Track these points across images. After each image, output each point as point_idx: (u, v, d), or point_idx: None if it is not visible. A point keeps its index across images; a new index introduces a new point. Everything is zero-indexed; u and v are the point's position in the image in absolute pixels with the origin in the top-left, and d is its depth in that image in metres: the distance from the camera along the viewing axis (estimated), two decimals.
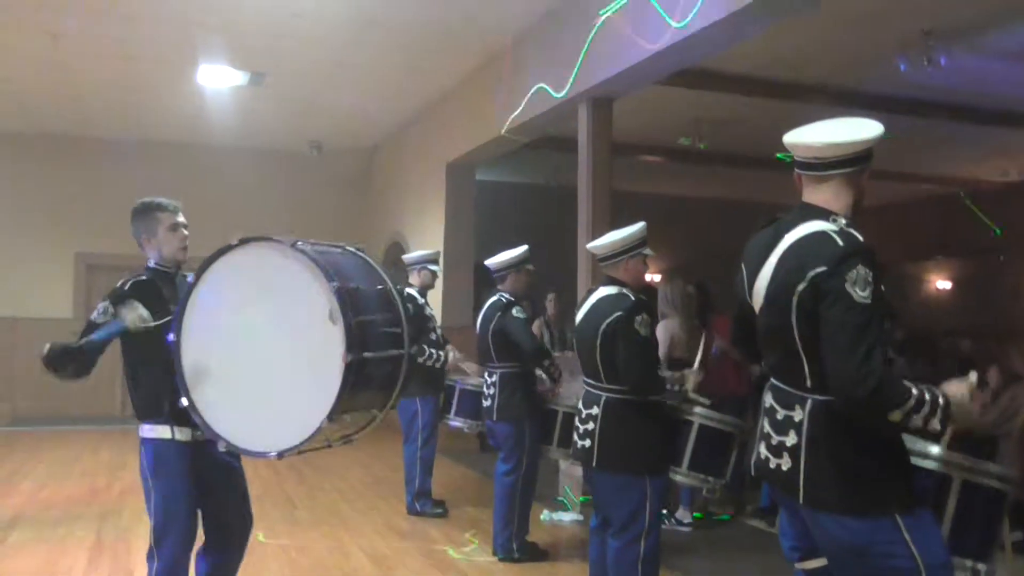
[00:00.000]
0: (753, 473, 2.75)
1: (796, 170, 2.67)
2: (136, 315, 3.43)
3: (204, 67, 9.23)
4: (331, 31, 8.11)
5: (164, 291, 3.59)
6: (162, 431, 3.55)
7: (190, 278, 3.37)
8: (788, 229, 2.57)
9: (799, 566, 2.76)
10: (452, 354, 6.65)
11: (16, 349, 11.77)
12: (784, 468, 2.54)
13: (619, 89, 6.90)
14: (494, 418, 5.62)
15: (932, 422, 2.37)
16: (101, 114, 11.43)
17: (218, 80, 9.66)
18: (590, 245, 4.27)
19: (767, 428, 2.63)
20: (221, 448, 3.31)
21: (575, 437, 4.12)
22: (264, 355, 3.24)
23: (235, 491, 3.78)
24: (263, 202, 12.45)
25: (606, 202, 7.01)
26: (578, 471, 6.71)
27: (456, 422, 6.56)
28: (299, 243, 3.16)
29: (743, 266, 2.74)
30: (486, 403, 5.70)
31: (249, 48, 8.64)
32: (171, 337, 3.33)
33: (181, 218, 3.74)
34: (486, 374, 5.78)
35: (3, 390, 11.88)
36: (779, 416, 2.58)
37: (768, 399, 2.66)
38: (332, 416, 3.02)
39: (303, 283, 3.11)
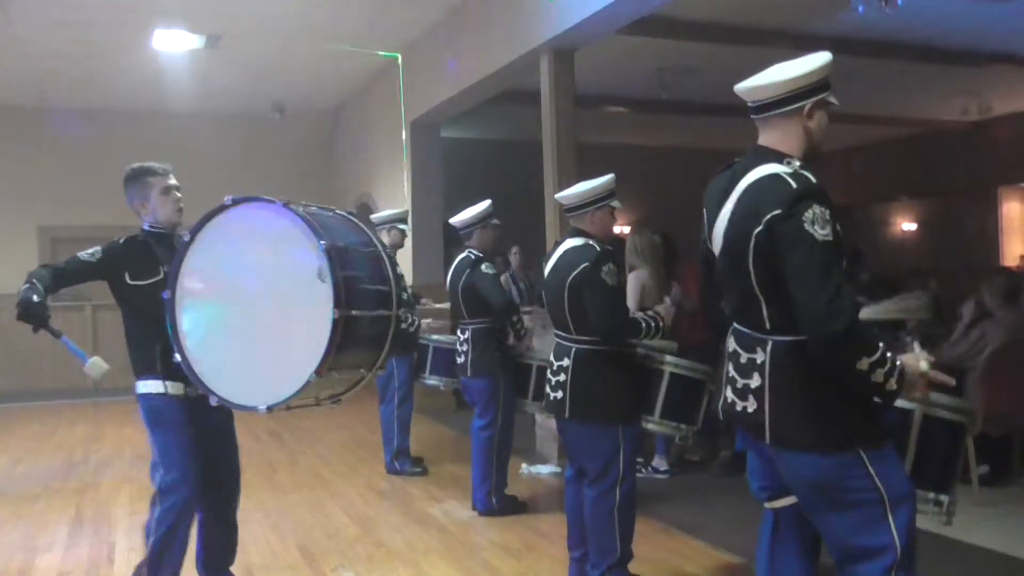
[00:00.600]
0: (721, 417, 2.79)
1: (751, 116, 2.67)
2: (99, 371, 3.63)
3: (159, 32, 9.08)
4: None
5: (157, 251, 3.72)
6: (155, 386, 3.70)
7: (185, 237, 3.48)
8: (744, 173, 2.58)
9: (768, 505, 2.81)
10: (424, 322, 6.64)
11: None
12: (750, 410, 2.58)
13: (580, 39, 6.86)
14: (468, 374, 5.66)
15: (890, 382, 2.39)
16: (57, 85, 11.27)
17: (174, 44, 9.51)
18: (558, 196, 4.28)
19: (732, 372, 2.67)
20: (213, 403, 3.40)
21: (547, 389, 4.15)
22: (255, 312, 3.34)
23: (226, 453, 3.95)
24: (227, 167, 12.31)
25: (571, 155, 7.02)
26: (553, 423, 6.78)
27: (431, 380, 6.59)
28: (291, 203, 3.22)
29: (704, 211, 2.75)
30: (460, 360, 5.73)
31: (204, 10, 8.50)
32: (166, 294, 3.45)
33: (172, 180, 3.83)
34: (458, 331, 5.79)
35: None
36: (742, 360, 2.61)
37: (731, 343, 2.69)
38: (319, 371, 3.08)
39: (293, 241, 3.17)
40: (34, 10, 8.35)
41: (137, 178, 3.82)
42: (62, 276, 3.65)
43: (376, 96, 11.46)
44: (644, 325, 4.01)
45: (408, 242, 7.29)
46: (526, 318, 6.25)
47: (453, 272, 5.79)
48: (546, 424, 6.99)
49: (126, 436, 8.65)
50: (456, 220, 5.76)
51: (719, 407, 2.78)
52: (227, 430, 3.96)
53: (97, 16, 8.61)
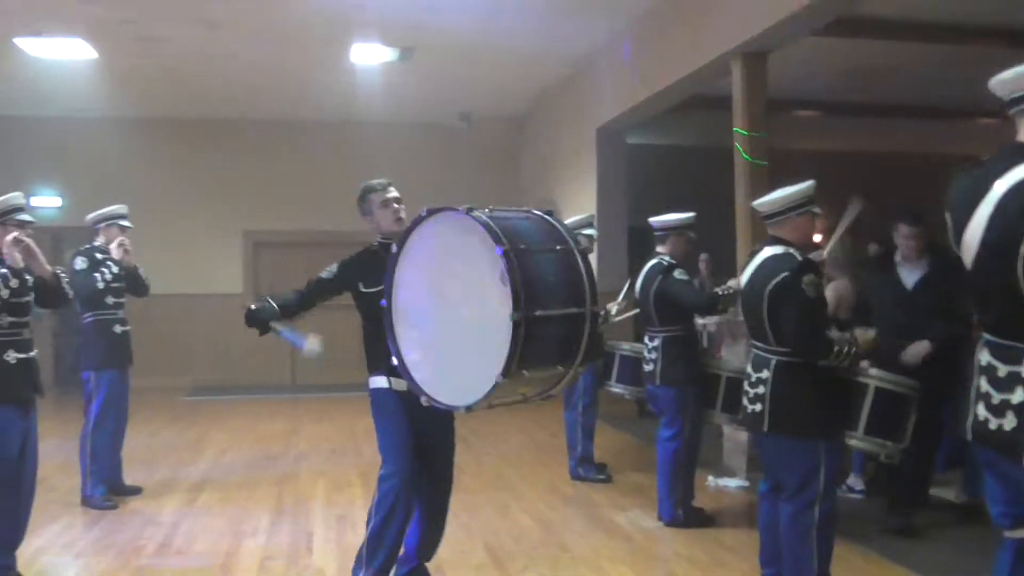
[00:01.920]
0: (969, 436, 2.60)
1: (1006, 111, 2.48)
2: (313, 348, 4.16)
3: (356, 46, 9.47)
4: (475, 1, 8.15)
5: (385, 260, 3.88)
6: (381, 381, 4.03)
7: (394, 248, 3.68)
8: (999, 173, 2.39)
9: (1009, 534, 2.62)
10: (611, 307, 6.60)
11: (194, 324, 12.53)
12: (1007, 428, 2.41)
13: (774, 42, 6.67)
14: (656, 383, 5.60)
15: None
16: (259, 97, 11.93)
17: (369, 57, 9.89)
18: (756, 203, 4.17)
19: (986, 387, 2.49)
20: (423, 402, 3.53)
21: (744, 402, 4.05)
22: (452, 316, 3.48)
23: (444, 451, 4.23)
24: (416, 175, 12.59)
25: (763, 160, 6.82)
26: (743, 436, 6.63)
27: (617, 388, 6.58)
28: (474, 210, 3.31)
29: (948, 216, 2.59)
30: (648, 368, 5.68)
31: (398, 24, 8.79)
32: (384, 302, 3.67)
33: (392, 193, 4.15)
34: (647, 338, 5.75)
35: (183, 362, 12.66)
36: (1000, 373, 2.44)
37: (985, 356, 2.52)
38: (506, 372, 3.12)
39: (478, 247, 3.24)
40: (241, 27, 8.88)
41: (363, 196, 4.17)
42: (307, 298, 4.13)
43: (561, 103, 11.54)
44: (836, 349, 3.85)
45: (595, 248, 7.27)
46: (710, 322, 6.14)
47: (643, 279, 5.74)
48: (734, 436, 6.83)
49: (322, 432, 9.08)
50: (656, 220, 5.72)
51: (968, 426, 2.61)
52: (446, 429, 4.20)
53: (300, 33, 9.06)
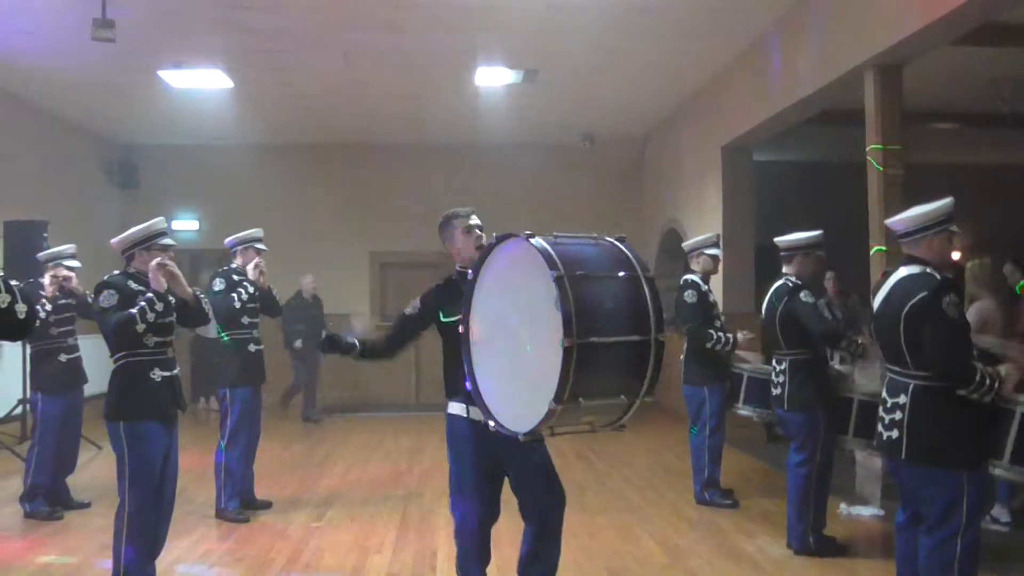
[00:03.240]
0: None
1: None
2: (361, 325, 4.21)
3: (481, 69, 9.60)
4: (600, 22, 8.15)
5: (463, 290, 3.89)
6: (458, 408, 3.97)
7: (470, 275, 3.70)
8: None
9: None
10: (740, 336, 6.49)
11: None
12: None
13: (910, 53, 6.43)
14: (785, 407, 5.43)
15: None
16: (387, 122, 12.24)
17: (493, 80, 10.01)
18: (890, 221, 4.01)
19: None
20: (491, 427, 3.53)
21: (880, 428, 3.88)
22: (516, 342, 3.47)
23: (530, 469, 3.98)
24: (538, 197, 12.79)
25: (898, 176, 6.58)
26: (877, 463, 6.37)
27: (744, 410, 6.42)
28: (535, 236, 3.31)
29: None
30: (775, 391, 5.52)
31: (523, 47, 8.89)
32: (461, 329, 3.68)
33: (474, 220, 4.12)
34: (774, 361, 5.59)
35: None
36: None
37: None
38: (559, 399, 3.08)
39: (536, 273, 3.23)
40: (372, 55, 9.12)
41: (446, 222, 4.16)
42: (396, 337, 4.21)
43: (685, 123, 11.43)
44: (979, 378, 3.63)
45: (719, 268, 7.13)
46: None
47: (769, 300, 5.59)
48: (867, 463, 6.57)
49: (445, 450, 9.13)
50: (781, 240, 5.58)
51: None
52: (527, 455, 3.96)
53: (427, 59, 9.26)
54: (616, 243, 3.49)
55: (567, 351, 3.05)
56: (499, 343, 3.55)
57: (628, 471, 7.99)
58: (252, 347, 6.48)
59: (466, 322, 3.66)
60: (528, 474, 3.99)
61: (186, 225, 13.14)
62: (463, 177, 12.69)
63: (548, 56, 9.17)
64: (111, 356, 4.51)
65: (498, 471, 3.97)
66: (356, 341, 4.14)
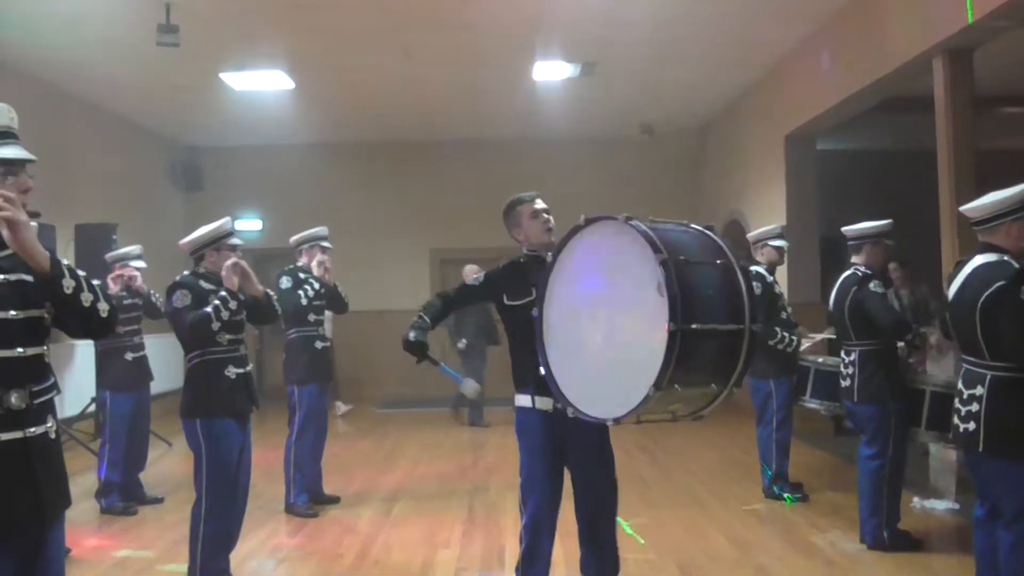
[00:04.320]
0: None
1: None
2: (473, 391, 4.80)
3: (539, 64, 9.58)
4: (659, 12, 8.08)
5: (531, 273, 3.89)
6: (525, 400, 3.90)
7: (549, 257, 3.66)
8: None
9: None
10: (805, 343, 6.41)
11: (384, 339, 12.89)
12: None
13: (982, 36, 6.26)
14: (854, 399, 5.34)
15: None
16: (446, 119, 12.29)
17: (551, 74, 9.98)
18: (965, 208, 3.91)
19: None
20: (569, 414, 3.50)
21: (955, 420, 3.79)
22: (605, 326, 3.42)
23: (597, 471, 3.94)
24: (597, 189, 12.70)
25: (969, 163, 6.43)
26: (951, 455, 6.24)
27: (812, 403, 6.32)
28: (633, 219, 3.26)
29: None
30: (844, 383, 5.42)
31: (581, 40, 8.85)
32: (535, 313, 3.65)
33: (540, 204, 4.05)
34: (843, 352, 5.50)
35: (374, 376, 13.12)
36: None
37: None
38: (659, 385, 3.05)
39: (635, 256, 3.19)
40: (431, 52, 9.16)
41: (510, 209, 4.09)
42: (452, 302, 4.08)
43: (746, 112, 11.28)
44: None
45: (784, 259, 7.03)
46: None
47: (837, 290, 5.50)
48: (941, 455, 6.43)
49: (509, 444, 9.09)
50: (849, 230, 5.49)
51: None
52: (595, 447, 3.93)
53: (485, 54, 9.27)
54: (706, 231, 3.46)
55: (672, 336, 3.02)
56: (581, 327, 3.51)
57: (693, 465, 7.93)
58: (318, 344, 6.56)
59: (540, 305, 3.63)
60: (593, 467, 3.94)
61: (249, 225, 13.33)
62: (521, 172, 12.64)
63: (606, 48, 9.12)
64: (186, 355, 4.60)
65: (562, 463, 3.93)
66: (430, 322, 4.01)
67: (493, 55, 9.32)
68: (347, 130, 12.86)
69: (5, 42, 8.30)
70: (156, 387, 7.13)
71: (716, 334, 3.20)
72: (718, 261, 3.31)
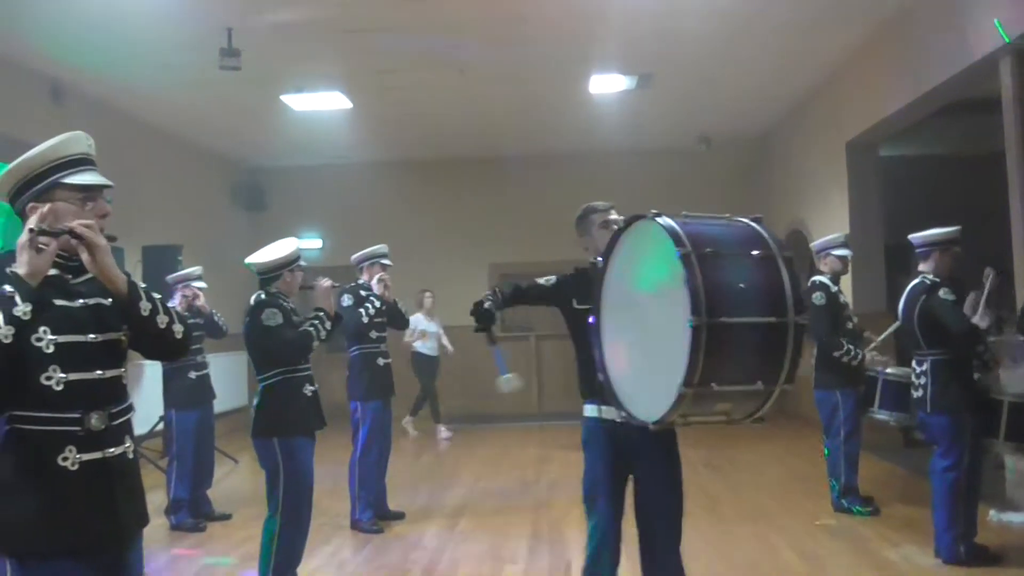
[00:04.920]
0: None
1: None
2: (509, 386, 5.04)
3: (595, 77, 9.58)
4: (715, 22, 8.02)
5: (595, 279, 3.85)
6: (591, 410, 3.85)
7: (599, 262, 3.63)
8: None
9: None
10: (872, 355, 6.29)
11: (445, 354, 13.01)
12: None
13: None
14: (928, 410, 5.21)
15: None
16: (501, 134, 12.34)
17: (607, 87, 9.97)
18: None
19: None
20: (619, 418, 3.48)
21: None
22: (645, 326, 3.37)
23: (661, 475, 3.82)
24: (655, 202, 12.40)
25: None
26: None
27: (881, 415, 6.20)
28: (662, 215, 3.21)
29: None
30: (916, 394, 5.31)
31: (638, 52, 8.82)
32: (592, 319, 3.61)
33: (613, 215, 3.99)
34: (914, 362, 5.38)
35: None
36: None
37: None
38: (688, 382, 2.96)
39: (662, 252, 3.13)
40: (487, 69, 9.21)
41: (582, 216, 4.05)
42: (522, 293, 4.09)
43: (806, 120, 11.14)
44: None
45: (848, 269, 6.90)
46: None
47: (906, 299, 5.39)
48: (1018, 467, 6.25)
49: (572, 459, 9.05)
50: (916, 237, 5.38)
51: None
52: (664, 458, 3.84)
53: (541, 69, 9.28)
54: (751, 223, 3.35)
55: (695, 331, 2.93)
56: (630, 330, 3.47)
57: (760, 479, 7.82)
58: (380, 361, 6.61)
59: (597, 311, 3.61)
60: (657, 482, 3.84)
61: (309, 244, 13.50)
62: (577, 185, 12.57)
63: (663, 60, 9.08)
64: (261, 373, 4.67)
65: (626, 473, 3.85)
66: (502, 299, 4.06)
67: (549, 70, 9.34)
68: (404, 148, 12.98)
69: (72, 69, 8.53)
70: (217, 405, 7.26)
71: (753, 327, 3.09)
72: (755, 252, 3.19)
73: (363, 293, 6.59)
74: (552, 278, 4.05)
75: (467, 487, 8.04)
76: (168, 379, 6.89)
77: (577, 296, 3.92)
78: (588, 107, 10.76)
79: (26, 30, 7.49)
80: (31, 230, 2.38)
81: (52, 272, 2.52)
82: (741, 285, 3.11)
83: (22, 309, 2.34)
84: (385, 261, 6.76)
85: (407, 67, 9.08)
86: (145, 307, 2.58)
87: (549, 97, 10.44)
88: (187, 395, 6.78)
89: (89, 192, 2.59)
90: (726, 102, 10.98)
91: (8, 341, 2.31)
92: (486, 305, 3.95)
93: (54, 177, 2.55)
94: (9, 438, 2.47)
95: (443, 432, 11.25)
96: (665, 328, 3.18)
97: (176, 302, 6.60)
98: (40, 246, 2.38)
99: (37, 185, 2.55)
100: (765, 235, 3.26)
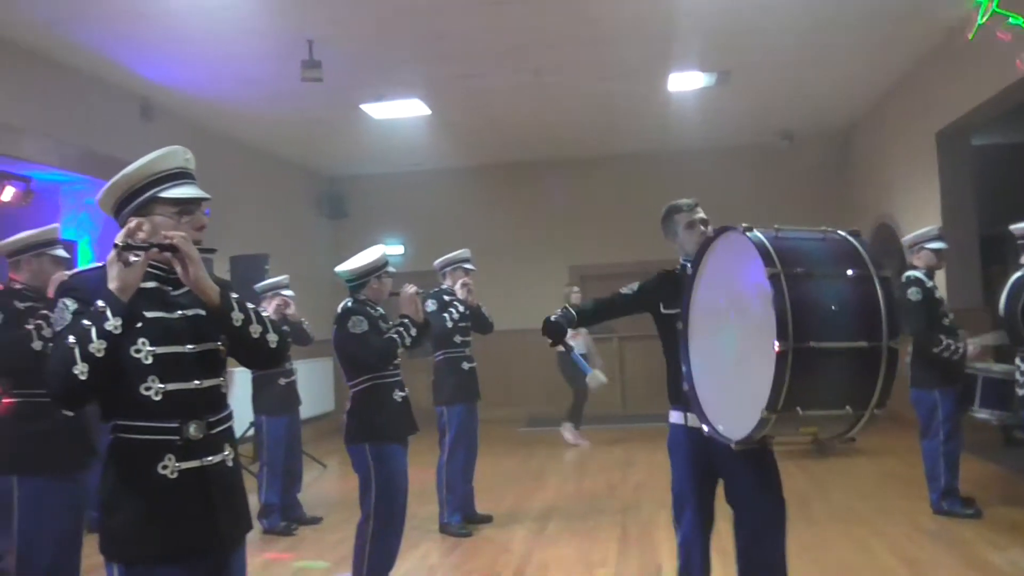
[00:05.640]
0: None
1: None
2: (597, 382, 5.04)
3: (673, 75, 9.47)
4: (799, 17, 7.86)
5: (684, 283, 3.78)
6: (677, 417, 3.82)
7: (689, 269, 3.60)
8: None
9: None
10: (971, 347, 6.07)
11: (527, 357, 12.97)
12: None
13: None
14: None
15: None
16: (579, 135, 12.27)
17: (686, 85, 9.85)
18: None
19: None
20: (705, 432, 3.41)
21: None
22: (732, 342, 3.31)
23: (748, 481, 3.71)
24: (736, 199, 12.36)
25: None
26: None
27: (982, 414, 6.00)
28: (754, 229, 3.12)
29: None
30: (1021, 392, 5.12)
31: (716, 49, 8.69)
32: (679, 325, 3.58)
33: (699, 214, 3.92)
34: (1017, 359, 5.19)
35: (519, 395, 13.19)
36: None
37: None
38: (772, 407, 2.89)
39: (752, 269, 3.05)
40: (564, 70, 9.17)
41: (667, 215, 3.98)
42: (604, 307, 4.10)
43: (892, 111, 10.84)
44: None
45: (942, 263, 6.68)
46: None
47: (1008, 292, 5.21)
48: None
49: (658, 461, 8.93)
50: (1017, 228, 5.19)
51: None
52: (755, 465, 3.70)
53: (618, 69, 9.21)
54: (848, 237, 3.23)
55: (781, 356, 2.85)
56: (717, 342, 3.40)
57: (853, 480, 7.61)
58: (465, 365, 6.64)
59: (685, 318, 3.56)
60: (745, 486, 3.73)
61: (392, 250, 13.59)
62: (657, 185, 12.49)
63: (742, 56, 8.93)
64: (351, 380, 4.75)
65: (713, 479, 3.80)
66: (575, 314, 4.06)
67: (626, 69, 9.26)
68: (482, 152, 13.04)
69: (159, 87, 8.77)
70: (304, 411, 7.39)
71: (843, 352, 2.99)
72: (850, 272, 3.08)
73: (447, 298, 6.62)
74: (635, 285, 4.02)
75: (554, 490, 8.02)
76: (258, 386, 7.02)
77: (664, 300, 3.88)
78: (666, 105, 10.64)
79: (115, 49, 7.72)
80: (116, 245, 2.41)
81: (151, 284, 2.58)
82: (833, 307, 3.02)
83: (113, 324, 2.37)
84: (468, 266, 6.80)
85: (483, 72, 9.10)
86: (237, 317, 2.63)
87: (627, 96, 10.35)
88: (277, 401, 6.92)
89: (184, 205, 2.64)
90: (808, 97, 10.76)
91: (101, 355, 2.35)
92: (552, 318, 3.98)
93: (151, 192, 2.61)
94: (112, 448, 2.54)
95: (570, 436, 10.91)
96: (752, 347, 3.13)
97: (269, 311, 6.72)
98: (129, 260, 2.42)
99: (136, 200, 2.62)
100: (862, 252, 3.16)
